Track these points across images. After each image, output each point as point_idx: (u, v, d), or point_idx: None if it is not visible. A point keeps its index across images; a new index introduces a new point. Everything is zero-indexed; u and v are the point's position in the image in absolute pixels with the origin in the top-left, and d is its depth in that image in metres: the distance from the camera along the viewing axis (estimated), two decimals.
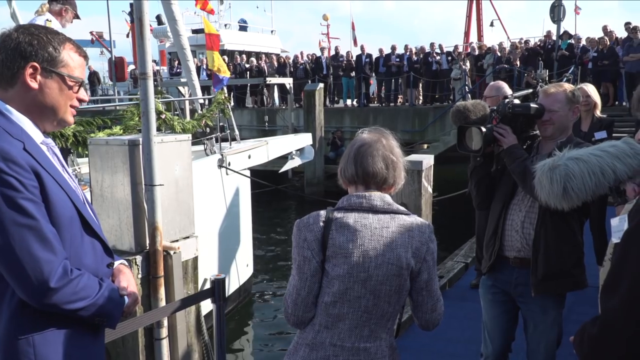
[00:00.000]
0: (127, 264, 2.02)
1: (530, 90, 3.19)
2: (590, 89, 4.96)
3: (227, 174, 7.33)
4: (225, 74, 8.66)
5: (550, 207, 2.56)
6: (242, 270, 7.73)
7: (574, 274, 2.79)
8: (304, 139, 10.72)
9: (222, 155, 7.26)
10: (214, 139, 7.84)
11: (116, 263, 1.95)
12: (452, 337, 4.64)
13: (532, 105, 2.82)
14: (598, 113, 4.98)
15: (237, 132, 8.75)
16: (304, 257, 1.90)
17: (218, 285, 3.03)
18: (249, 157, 8.03)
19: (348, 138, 16.87)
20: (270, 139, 9.44)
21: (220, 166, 7.21)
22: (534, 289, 2.76)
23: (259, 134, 17.54)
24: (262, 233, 11.95)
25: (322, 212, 1.93)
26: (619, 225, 1.52)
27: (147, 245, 3.59)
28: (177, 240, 3.87)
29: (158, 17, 19.61)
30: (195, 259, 3.95)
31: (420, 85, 17.50)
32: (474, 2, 32.57)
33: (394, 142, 2.01)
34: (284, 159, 10.18)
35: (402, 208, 1.96)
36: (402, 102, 18.20)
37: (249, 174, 7.97)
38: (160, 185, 3.51)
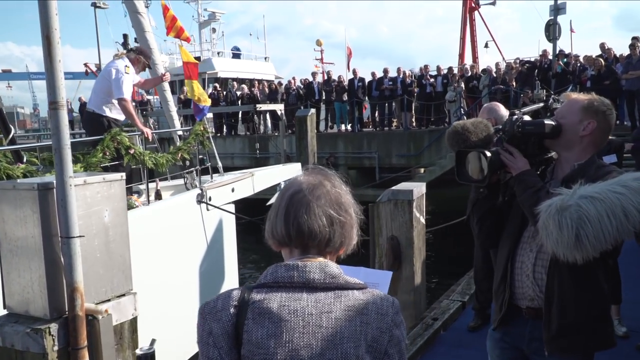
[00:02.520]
0: None
1: (542, 104, 2.58)
2: None
3: (207, 209, 6.79)
4: (206, 102, 8.25)
5: (559, 258, 2.01)
6: None
7: (597, 330, 2.24)
8: (293, 169, 10.18)
9: (202, 189, 6.74)
10: (194, 172, 7.36)
11: None
12: None
13: (547, 122, 2.25)
14: None
15: (219, 163, 8.28)
16: (209, 358, 1.32)
17: None
18: (233, 190, 7.51)
19: (342, 164, 16.39)
20: (257, 170, 8.95)
21: (199, 201, 6.68)
22: (547, 346, 2.24)
23: (250, 161, 17.15)
24: (250, 265, 11.31)
25: (235, 292, 1.35)
26: None
27: (67, 309, 2.96)
28: (108, 301, 3.21)
29: None
30: (134, 321, 3.29)
31: (414, 107, 17.02)
32: (468, 24, 32.38)
33: (343, 188, 1.44)
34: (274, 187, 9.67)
35: (353, 281, 1.38)
36: (396, 126, 17.73)
37: (232, 208, 7.45)
38: (80, 237, 2.89)
